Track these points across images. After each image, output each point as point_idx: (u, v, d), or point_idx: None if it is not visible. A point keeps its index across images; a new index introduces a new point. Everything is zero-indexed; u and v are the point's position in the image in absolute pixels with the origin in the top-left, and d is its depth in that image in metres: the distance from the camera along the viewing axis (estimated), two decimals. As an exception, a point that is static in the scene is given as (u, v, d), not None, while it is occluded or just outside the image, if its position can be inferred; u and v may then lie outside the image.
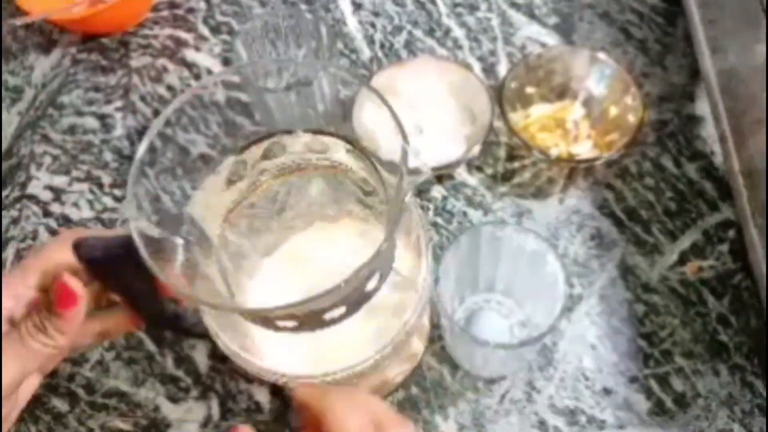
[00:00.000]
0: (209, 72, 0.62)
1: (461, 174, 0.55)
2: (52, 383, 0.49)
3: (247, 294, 0.38)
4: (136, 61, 0.63)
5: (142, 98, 0.61)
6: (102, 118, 0.60)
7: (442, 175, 0.54)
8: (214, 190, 0.37)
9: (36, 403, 0.48)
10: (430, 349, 0.48)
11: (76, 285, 0.33)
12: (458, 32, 0.62)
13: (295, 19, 0.53)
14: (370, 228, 0.40)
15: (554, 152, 0.53)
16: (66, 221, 0.56)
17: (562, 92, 0.55)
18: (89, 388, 0.49)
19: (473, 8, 0.63)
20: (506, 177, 0.55)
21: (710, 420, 0.45)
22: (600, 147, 0.53)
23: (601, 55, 0.53)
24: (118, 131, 0.60)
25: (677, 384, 0.47)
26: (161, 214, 0.33)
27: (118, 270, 0.33)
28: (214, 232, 0.37)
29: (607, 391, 0.47)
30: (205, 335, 0.37)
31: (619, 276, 0.50)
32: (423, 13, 0.63)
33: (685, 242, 0.51)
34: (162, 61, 0.63)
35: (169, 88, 0.61)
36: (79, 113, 0.61)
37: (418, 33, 0.62)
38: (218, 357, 0.49)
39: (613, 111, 0.53)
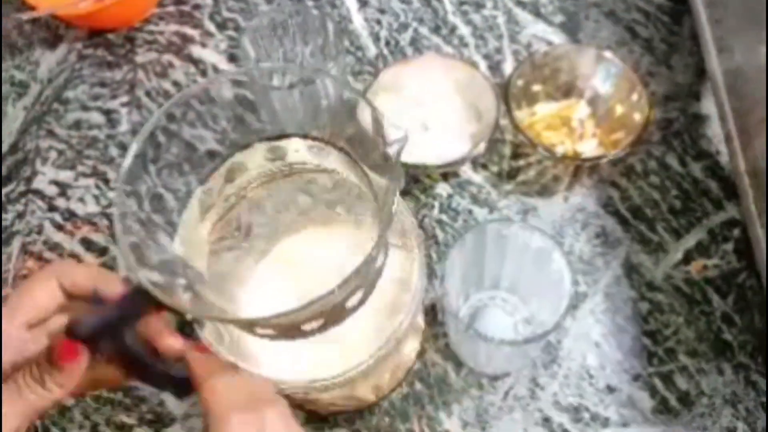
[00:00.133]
0: (215, 68, 0.62)
1: (466, 171, 0.55)
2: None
3: (239, 303, 0.38)
4: (142, 56, 0.63)
5: (148, 94, 0.61)
6: (107, 113, 0.60)
7: (447, 173, 0.55)
8: (191, 226, 0.36)
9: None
10: (434, 345, 0.49)
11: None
12: (464, 30, 0.62)
13: (302, 16, 0.53)
14: (361, 232, 0.39)
15: (560, 150, 0.53)
16: (71, 216, 0.56)
17: (568, 90, 0.56)
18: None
19: (479, 6, 0.63)
20: (511, 175, 0.55)
21: (714, 418, 0.45)
22: (605, 145, 0.53)
23: (607, 54, 0.53)
24: (124, 126, 0.60)
25: (681, 382, 0.47)
26: (159, 256, 0.33)
27: (115, 342, 0.32)
28: (203, 265, 0.36)
29: (611, 389, 0.47)
30: None
31: (623, 274, 0.50)
32: (429, 10, 0.63)
33: (689, 241, 0.51)
34: (168, 57, 0.63)
35: (175, 83, 0.61)
36: (85, 108, 0.61)
37: (423, 30, 0.62)
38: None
39: (619, 109, 0.53)
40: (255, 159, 0.38)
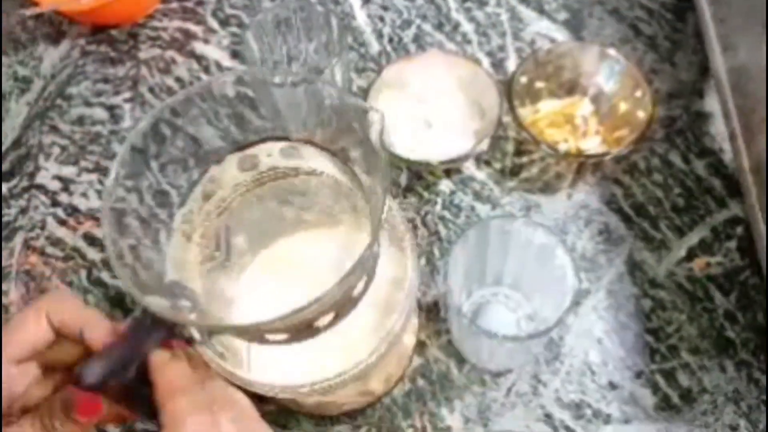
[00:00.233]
0: (218, 64, 0.62)
1: (469, 168, 0.55)
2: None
3: (232, 310, 0.38)
4: (145, 52, 0.63)
5: (151, 90, 0.61)
6: (110, 109, 0.60)
7: (450, 170, 0.55)
8: (180, 251, 0.36)
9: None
10: (436, 342, 0.49)
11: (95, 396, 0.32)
12: (467, 27, 0.62)
13: (305, 12, 0.53)
14: (354, 233, 0.39)
15: (563, 147, 0.53)
16: (74, 211, 0.56)
17: (572, 88, 0.55)
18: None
19: (482, 3, 0.63)
20: (514, 172, 0.55)
21: (716, 415, 0.45)
22: (608, 143, 0.53)
23: (611, 51, 0.53)
24: (127, 122, 0.60)
25: (683, 379, 0.47)
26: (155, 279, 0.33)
27: (123, 383, 0.32)
28: (198, 287, 0.36)
29: (613, 386, 0.47)
30: None
31: (626, 271, 0.50)
32: (432, 7, 0.63)
33: (692, 238, 0.51)
34: (171, 53, 0.63)
35: (178, 80, 0.61)
36: (88, 104, 0.61)
37: (427, 27, 0.62)
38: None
39: (622, 107, 0.53)
40: (229, 172, 0.37)
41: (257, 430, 0.33)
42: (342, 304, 0.33)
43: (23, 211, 0.56)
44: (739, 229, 0.51)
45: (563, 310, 0.40)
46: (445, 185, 0.54)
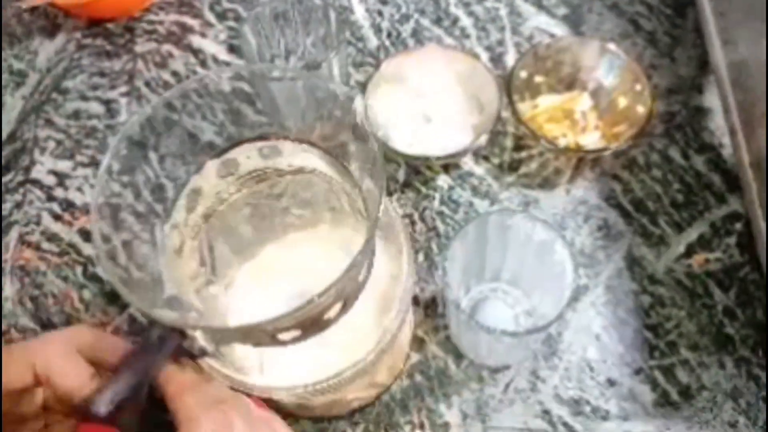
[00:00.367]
0: (215, 58, 0.61)
1: (468, 163, 0.55)
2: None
3: (227, 323, 0.38)
4: (141, 46, 0.63)
5: (147, 84, 0.61)
6: (106, 103, 0.60)
7: (448, 165, 0.54)
8: (173, 264, 0.36)
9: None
10: (434, 338, 0.48)
11: None
12: (466, 21, 0.61)
13: (303, 6, 0.52)
14: (340, 229, 0.39)
15: (562, 143, 0.53)
16: (69, 206, 0.55)
17: (571, 83, 0.55)
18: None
19: (481, -3, 0.62)
20: (513, 167, 0.54)
21: (715, 412, 0.45)
22: (608, 138, 0.53)
23: (611, 46, 0.53)
24: (123, 117, 0.59)
25: (682, 376, 0.46)
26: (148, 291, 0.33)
27: (134, 408, 0.31)
28: (194, 299, 0.36)
29: (611, 382, 0.46)
30: None
31: (625, 267, 0.50)
32: (430, 1, 0.63)
33: (691, 234, 0.51)
34: (167, 47, 0.62)
35: (174, 74, 0.61)
36: (84, 98, 0.60)
37: (425, 22, 0.62)
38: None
39: (622, 102, 0.53)
40: (209, 180, 0.37)
41: (263, 427, 0.33)
42: (348, 293, 0.33)
43: (18, 205, 0.56)
44: (739, 225, 0.51)
45: (562, 305, 0.39)
46: (443, 180, 0.54)
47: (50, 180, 0.57)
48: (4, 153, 0.58)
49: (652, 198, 0.52)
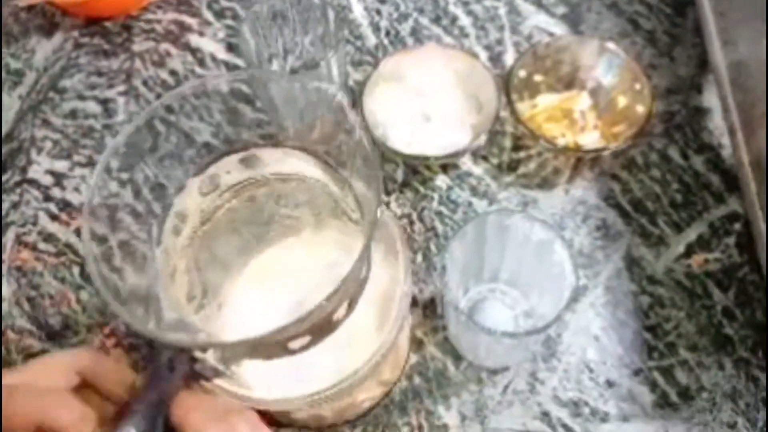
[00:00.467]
0: (213, 57, 0.61)
1: (466, 163, 0.54)
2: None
3: (221, 331, 0.37)
4: (139, 45, 0.62)
5: (145, 83, 0.60)
6: (104, 102, 0.60)
7: (446, 165, 0.54)
8: (168, 290, 0.35)
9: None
10: (433, 339, 0.48)
11: None
12: (465, 20, 0.61)
13: (302, 5, 0.52)
14: (335, 234, 0.39)
15: (561, 142, 0.53)
16: (66, 206, 0.55)
17: (570, 82, 0.55)
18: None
19: (480, -4, 0.62)
20: (512, 167, 0.54)
21: (714, 413, 0.45)
22: (607, 138, 0.53)
23: (611, 45, 0.53)
24: (120, 116, 0.59)
25: (681, 377, 0.46)
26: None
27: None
28: (194, 319, 0.36)
29: (610, 383, 0.46)
30: None
31: (624, 267, 0.50)
32: (429, 0, 0.62)
33: (691, 234, 0.51)
34: (165, 46, 0.62)
35: (172, 73, 0.61)
36: (81, 97, 0.60)
37: (424, 21, 0.61)
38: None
39: (621, 102, 0.53)
40: (192, 200, 0.37)
41: None
42: (353, 292, 0.33)
43: (15, 205, 0.56)
44: (737, 225, 0.51)
45: (561, 306, 0.39)
46: (441, 180, 0.54)
47: (47, 180, 0.57)
48: (0, 153, 0.58)
49: (651, 198, 0.52)
